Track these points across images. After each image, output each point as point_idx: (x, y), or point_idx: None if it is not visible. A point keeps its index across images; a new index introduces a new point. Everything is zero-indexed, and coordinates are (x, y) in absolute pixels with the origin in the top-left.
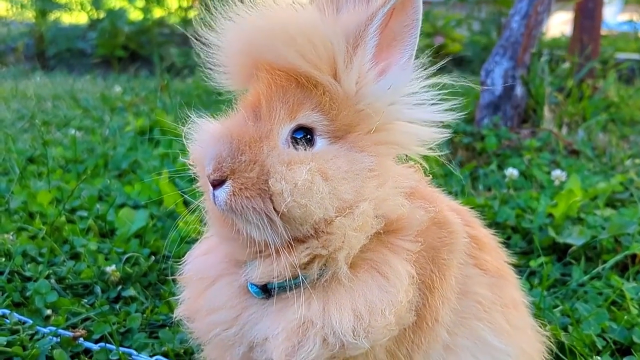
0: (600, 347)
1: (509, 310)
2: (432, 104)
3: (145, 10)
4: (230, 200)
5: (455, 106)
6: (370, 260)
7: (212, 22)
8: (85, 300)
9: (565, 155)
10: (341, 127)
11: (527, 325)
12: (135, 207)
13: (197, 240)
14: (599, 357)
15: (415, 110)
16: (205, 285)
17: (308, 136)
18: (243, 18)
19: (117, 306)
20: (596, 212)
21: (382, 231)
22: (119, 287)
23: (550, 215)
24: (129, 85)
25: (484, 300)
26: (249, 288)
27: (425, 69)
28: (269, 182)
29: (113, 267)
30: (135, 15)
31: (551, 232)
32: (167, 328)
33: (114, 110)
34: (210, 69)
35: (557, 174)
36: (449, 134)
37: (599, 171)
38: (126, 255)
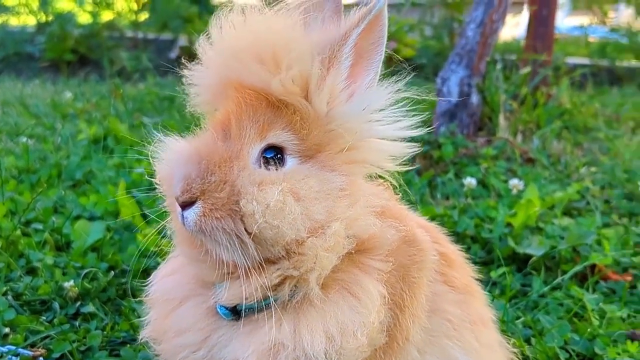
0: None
1: (477, 327)
2: (401, 119)
3: (94, 13)
4: (200, 221)
5: (422, 121)
6: (341, 281)
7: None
8: (44, 318)
9: (521, 163)
10: (312, 146)
11: (495, 342)
12: (91, 218)
13: (155, 253)
14: None
15: (385, 127)
16: (172, 306)
17: (278, 155)
18: (214, 36)
19: (77, 323)
20: (554, 221)
21: (353, 251)
22: (78, 303)
23: (509, 224)
24: (80, 91)
25: (453, 318)
26: (218, 310)
27: (391, 85)
28: (240, 203)
29: (71, 282)
30: (85, 18)
31: (511, 242)
32: (129, 346)
33: (66, 117)
34: (187, 89)
35: (515, 182)
36: (417, 149)
37: (554, 179)
38: (85, 271)
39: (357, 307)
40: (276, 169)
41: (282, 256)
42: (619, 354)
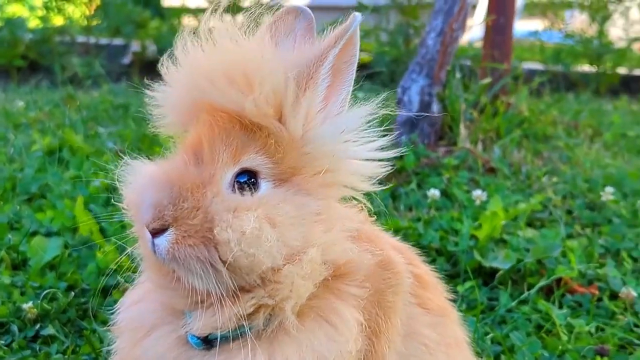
0: None
1: (452, 350)
2: (375, 140)
3: (45, 18)
4: (173, 249)
5: (396, 140)
6: (317, 308)
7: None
8: (2, 341)
9: (482, 173)
10: (286, 169)
11: None
12: (48, 234)
13: (115, 271)
14: None
15: (360, 148)
16: (141, 335)
17: (252, 180)
18: (188, 54)
19: (37, 347)
20: (518, 233)
21: (329, 277)
22: (37, 326)
23: (474, 237)
24: (32, 98)
25: (429, 341)
26: (189, 339)
27: (366, 105)
28: (215, 231)
29: (30, 303)
30: (35, 23)
31: (477, 256)
32: None
33: (18, 127)
34: (154, 109)
35: (478, 194)
36: (390, 167)
37: (516, 189)
38: (44, 291)
39: (333, 336)
40: (250, 194)
41: (257, 284)
42: None
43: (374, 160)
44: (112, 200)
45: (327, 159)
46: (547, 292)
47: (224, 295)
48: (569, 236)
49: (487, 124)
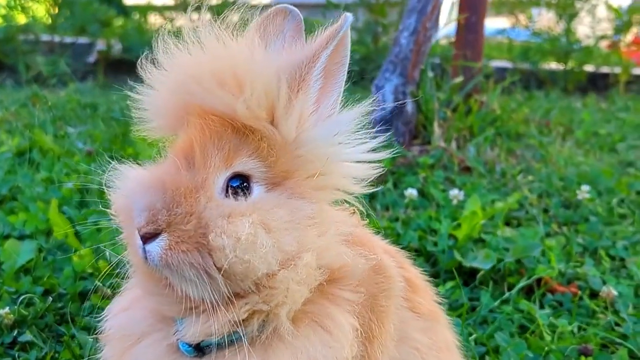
0: None
1: (443, 354)
2: (367, 141)
3: (8, 17)
4: (166, 255)
5: (388, 141)
6: (311, 314)
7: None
8: None
9: (458, 172)
10: (279, 173)
11: None
12: (21, 237)
13: (94, 276)
14: None
15: (353, 150)
16: (130, 343)
17: (245, 184)
18: (172, 58)
19: (15, 354)
20: (496, 232)
21: (323, 282)
22: (15, 332)
23: (452, 237)
24: None
25: (420, 346)
26: (180, 346)
27: (358, 106)
28: (209, 237)
29: (7, 309)
30: None
31: (457, 256)
32: None
33: None
34: (138, 113)
35: (455, 193)
36: (381, 169)
37: (492, 188)
38: (21, 297)
39: (329, 341)
40: (244, 199)
41: (252, 290)
42: None
43: (366, 162)
44: (86, 202)
45: (320, 162)
46: (528, 292)
47: (218, 301)
48: (547, 235)
49: (460, 123)
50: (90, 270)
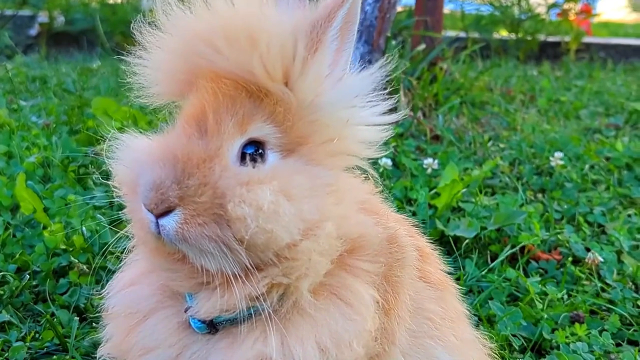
0: (517, 347)
1: (455, 324)
2: (378, 104)
3: None
4: (182, 229)
5: (396, 103)
6: (329, 286)
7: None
8: None
9: (428, 141)
10: (294, 139)
11: (473, 337)
12: None
13: (68, 252)
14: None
15: (366, 113)
16: (136, 321)
17: (260, 151)
18: (178, 18)
19: None
20: (473, 200)
21: (344, 252)
22: None
23: (431, 206)
24: None
25: (434, 315)
26: (191, 323)
27: (371, 68)
28: (228, 207)
29: None
30: None
31: (439, 225)
32: (55, 357)
33: None
34: (138, 78)
35: (429, 162)
36: (391, 133)
37: (464, 157)
38: None
39: (349, 314)
40: (260, 166)
41: (272, 262)
42: (567, 337)
43: (378, 125)
44: (50, 176)
45: (337, 127)
46: (511, 260)
47: (238, 274)
48: (524, 203)
49: (425, 92)
50: (63, 246)
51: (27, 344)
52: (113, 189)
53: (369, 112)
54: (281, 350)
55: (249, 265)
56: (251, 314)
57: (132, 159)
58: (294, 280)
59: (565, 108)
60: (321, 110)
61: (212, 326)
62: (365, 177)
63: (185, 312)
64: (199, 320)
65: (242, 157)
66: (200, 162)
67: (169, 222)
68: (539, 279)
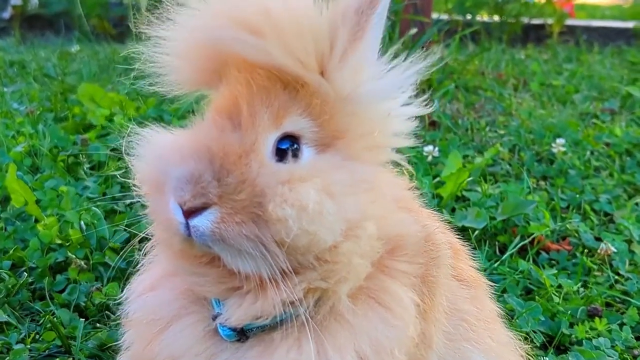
0: (538, 343)
1: (490, 325)
2: (412, 94)
3: None
4: (219, 229)
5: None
6: (366, 289)
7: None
8: None
9: (425, 127)
10: (330, 133)
11: (508, 338)
12: None
13: (64, 247)
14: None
15: (403, 105)
16: (159, 328)
17: (295, 146)
18: (200, 3)
19: None
20: (477, 189)
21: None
22: None
23: (437, 195)
24: None
25: (469, 316)
26: (219, 330)
27: (410, 59)
28: (268, 207)
29: None
30: None
31: (446, 215)
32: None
33: None
34: (154, 65)
35: (429, 149)
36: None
37: (462, 144)
38: None
39: (389, 320)
40: (295, 163)
41: (311, 265)
42: (587, 331)
43: (411, 117)
44: (38, 166)
45: (376, 120)
46: (520, 251)
47: (276, 277)
48: (530, 191)
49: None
50: (58, 241)
51: (28, 345)
52: (133, 187)
53: (405, 104)
54: (317, 359)
55: (287, 269)
56: (284, 320)
57: (156, 156)
58: (333, 285)
59: (559, 92)
60: (361, 102)
61: (242, 334)
62: (399, 172)
63: (213, 319)
64: (228, 328)
65: (277, 152)
66: (237, 158)
67: (203, 222)
68: (555, 271)
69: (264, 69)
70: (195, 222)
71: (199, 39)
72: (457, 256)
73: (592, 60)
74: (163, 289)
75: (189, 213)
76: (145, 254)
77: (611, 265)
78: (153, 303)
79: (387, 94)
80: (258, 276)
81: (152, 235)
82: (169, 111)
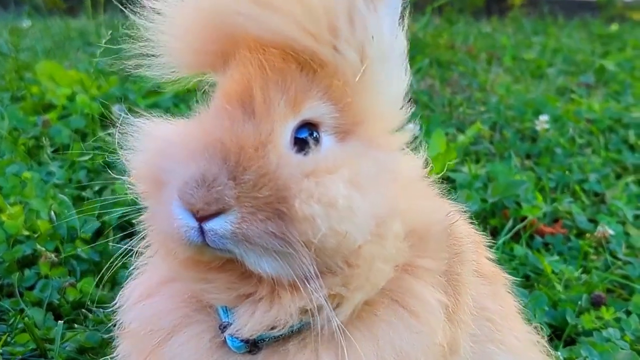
0: (546, 336)
1: (513, 323)
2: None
3: None
4: (241, 229)
5: None
6: (389, 291)
7: None
8: None
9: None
10: (352, 118)
11: (531, 335)
12: None
13: (32, 239)
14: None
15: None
16: (159, 339)
17: (315, 134)
18: None
19: None
20: (463, 170)
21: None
22: None
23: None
24: None
25: (493, 315)
26: (228, 341)
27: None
28: (294, 204)
29: None
30: None
31: None
32: None
33: None
34: (145, 44)
35: (411, 127)
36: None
37: (441, 121)
38: None
39: (415, 326)
40: (315, 153)
41: (339, 268)
42: (593, 321)
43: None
44: None
45: (394, 99)
46: (512, 235)
47: (297, 282)
48: (517, 171)
49: None
50: (25, 232)
51: (0, 350)
52: (129, 185)
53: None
54: None
55: (314, 273)
56: (299, 328)
57: (157, 150)
58: (351, 291)
59: (531, 66)
60: (379, 80)
61: (253, 345)
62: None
63: (221, 329)
64: (236, 338)
65: (295, 142)
66: (253, 151)
67: (222, 225)
68: (557, 257)
69: (278, 49)
70: (211, 225)
71: (201, 15)
72: (477, 249)
73: (559, 33)
74: (161, 296)
75: (203, 218)
76: (137, 256)
77: (606, 249)
78: (151, 312)
79: (399, 71)
80: (275, 280)
81: (144, 232)
82: (133, 89)
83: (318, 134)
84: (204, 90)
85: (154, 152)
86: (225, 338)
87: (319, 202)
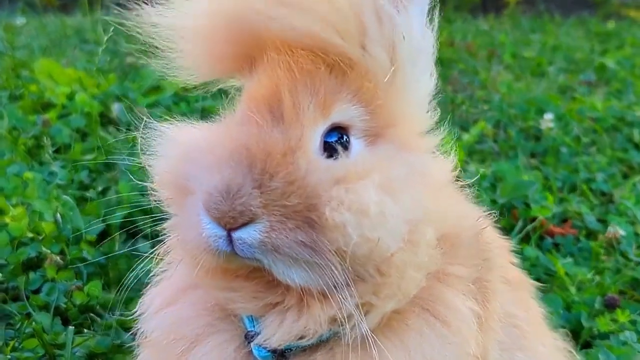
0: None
1: (540, 329)
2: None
3: None
4: (270, 238)
5: None
6: (420, 300)
7: None
8: None
9: None
10: (382, 121)
11: (556, 342)
12: None
13: (37, 241)
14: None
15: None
16: (182, 348)
17: (344, 138)
18: None
19: None
20: (469, 169)
21: None
22: None
23: None
24: None
25: (520, 322)
26: (254, 351)
27: None
28: (325, 212)
29: None
30: None
31: None
32: None
33: None
34: (172, 51)
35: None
36: None
37: (443, 119)
38: None
39: (447, 336)
40: (345, 157)
41: (371, 277)
42: (608, 324)
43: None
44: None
45: (423, 100)
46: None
47: (327, 292)
48: (525, 171)
49: None
50: (29, 234)
51: (8, 355)
52: (151, 191)
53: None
54: None
55: (345, 281)
56: (328, 338)
57: (182, 156)
58: (381, 300)
59: (532, 64)
60: (410, 81)
61: (280, 355)
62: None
63: (246, 339)
64: (263, 348)
65: (325, 147)
66: (281, 157)
67: (250, 234)
68: (570, 259)
69: (306, 50)
70: (239, 234)
71: (225, 19)
72: (504, 254)
73: (557, 31)
74: (183, 304)
75: (231, 228)
76: (159, 262)
77: (617, 249)
78: (173, 320)
79: (427, 72)
80: (304, 290)
81: (165, 239)
82: (132, 88)
83: (348, 137)
84: (230, 95)
85: (178, 158)
86: (251, 348)
87: (349, 209)
